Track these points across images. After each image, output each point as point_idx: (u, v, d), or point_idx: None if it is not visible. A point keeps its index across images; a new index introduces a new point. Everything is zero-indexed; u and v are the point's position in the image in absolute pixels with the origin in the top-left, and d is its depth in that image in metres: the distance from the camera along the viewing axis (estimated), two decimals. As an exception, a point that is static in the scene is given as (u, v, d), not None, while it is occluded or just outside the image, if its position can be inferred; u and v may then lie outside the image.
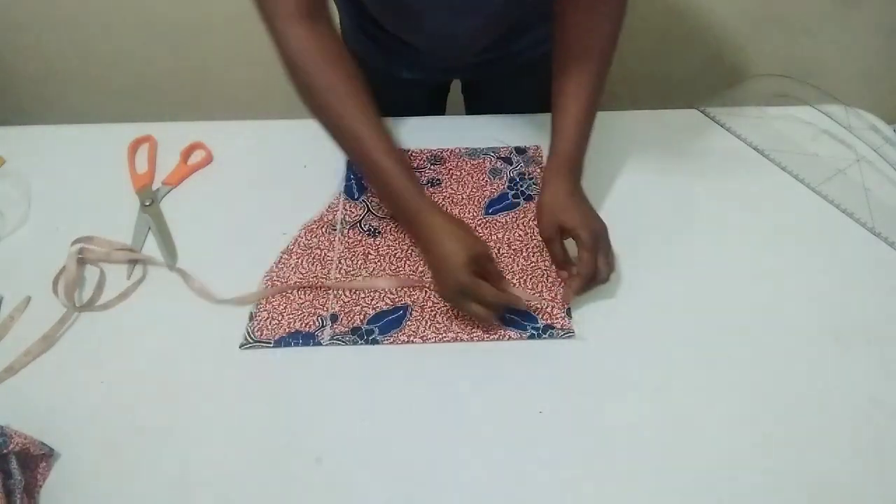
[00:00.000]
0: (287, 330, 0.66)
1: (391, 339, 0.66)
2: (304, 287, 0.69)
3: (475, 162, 0.83)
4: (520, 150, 0.84)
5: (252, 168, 0.83)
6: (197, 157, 0.85)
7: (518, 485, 0.56)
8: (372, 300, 0.69)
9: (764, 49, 1.45)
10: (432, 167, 0.82)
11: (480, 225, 0.76)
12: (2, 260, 0.74)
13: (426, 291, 0.69)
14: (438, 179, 0.81)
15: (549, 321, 0.67)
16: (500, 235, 0.75)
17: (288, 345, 0.65)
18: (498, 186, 0.80)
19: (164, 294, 0.70)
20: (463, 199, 0.79)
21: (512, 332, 0.66)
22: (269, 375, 0.64)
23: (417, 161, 0.83)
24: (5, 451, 0.55)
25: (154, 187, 0.81)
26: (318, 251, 0.73)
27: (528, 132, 0.86)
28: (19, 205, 0.79)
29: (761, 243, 0.74)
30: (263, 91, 1.49)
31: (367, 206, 0.78)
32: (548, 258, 0.71)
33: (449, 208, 0.77)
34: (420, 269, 0.71)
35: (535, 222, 0.74)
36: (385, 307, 0.68)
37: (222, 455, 0.58)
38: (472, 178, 0.81)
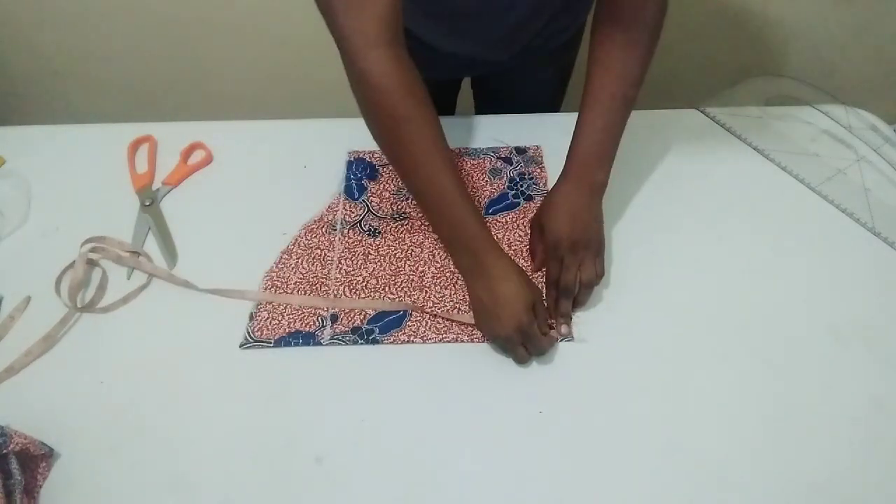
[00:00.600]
0: (287, 330, 0.66)
1: (391, 339, 0.66)
2: (296, 299, 0.69)
3: (475, 162, 0.83)
4: (520, 150, 0.84)
5: (252, 168, 0.83)
6: (197, 157, 0.85)
7: (518, 485, 0.56)
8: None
9: (764, 49, 1.45)
10: (432, 167, 0.82)
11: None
12: (2, 260, 0.74)
13: (426, 292, 0.69)
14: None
15: (551, 318, 0.66)
16: (500, 235, 0.75)
17: (288, 345, 0.65)
18: (498, 186, 0.80)
19: (164, 294, 0.70)
20: (463, 199, 0.79)
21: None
22: (269, 375, 0.64)
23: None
24: (5, 451, 0.55)
25: (154, 187, 0.81)
26: (318, 251, 0.73)
27: (528, 132, 0.86)
28: (19, 205, 0.79)
29: (761, 243, 0.74)
30: (263, 91, 1.49)
31: (367, 206, 0.78)
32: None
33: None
34: (420, 269, 0.71)
35: (536, 222, 0.75)
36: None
37: (222, 455, 0.58)
38: (472, 178, 0.81)
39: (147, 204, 0.78)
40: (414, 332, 0.66)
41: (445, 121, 0.91)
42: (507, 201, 0.78)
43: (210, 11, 1.35)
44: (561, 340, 0.65)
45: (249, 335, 0.66)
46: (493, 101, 1.01)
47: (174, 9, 1.35)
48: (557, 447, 0.58)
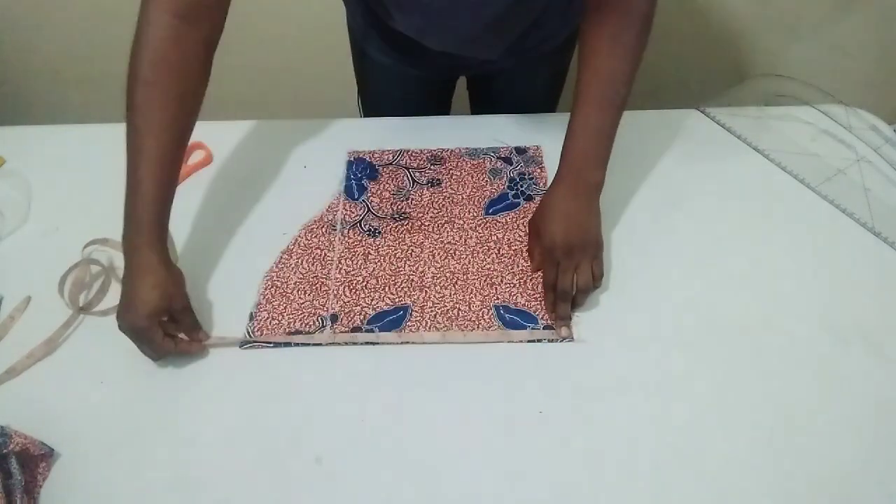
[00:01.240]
0: (287, 330, 0.66)
1: (391, 339, 0.66)
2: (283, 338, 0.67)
3: (475, 162, 0.83)
4: (520, 150, 0.84)
5: (252, 168, 0.83)
6: (197, 157, 0.85)
7: (518, 485, 0.56)
8: (372, 300, 0.69)
9: (764, 49, 1.45)
10: (432, 167, 0.82)
11: (480, 225, 0.76)
12: (2, 260, 0.74)
13: (426, 291, 0.69)
14: (438, 179, 0.81)
15: (550, 321, 0.67)
16: (500, 235, 0.75)
17: (288, 345, 0.65)
18: (498, 186, 0.80)
19: (164, 294, 0.70)
20: (463, 199, 0.79)
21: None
22: (269, 375, 0.64)
23: (417, 161, 0.83)
24: (5, 451, 0.55)
25: (154, 187, 0.81)
26: (318, 251, 0.73)
27: (528, 132, 0.86)
28: (19, 205, 0.79)
29: (761, 243, 0.74)
30: (263, 91, 1.49)
31: (367, 206, 0.78)
32: (548, 259, 0.71)
33: (449, 208, 0.77)
34: (420, 269, 0.71)
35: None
36: (385, 307, 0.68)
37: (222, 455, 0.58)
38: (472, 178, 0.81)
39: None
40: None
41: (446, 121, 0.93)
42: (507, 201, 0.78)
43: (210, 11, 1.35)
44: (561, 342, 0.65)
45: (249, 335, 0.66)
46: (487, 103, 1.02)
47: (174, 9, 1.35)
48: (557, 447, 0.58)
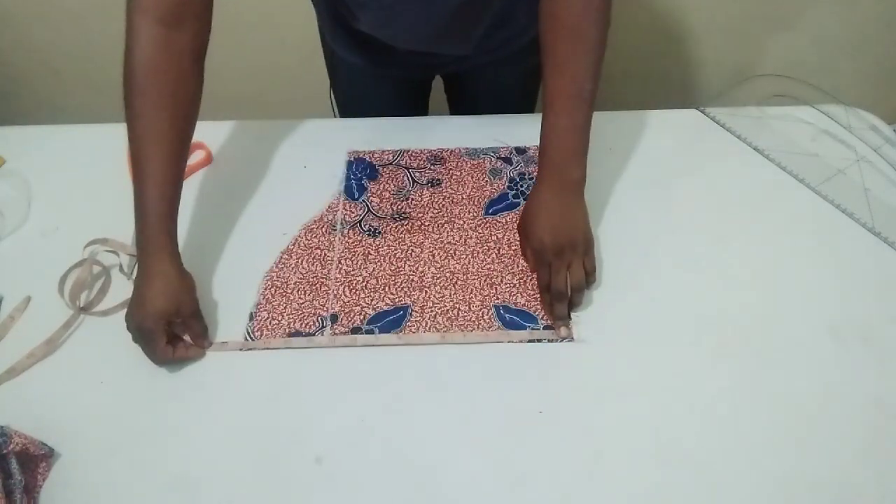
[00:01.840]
0: (287, 330, 0.66)
1: (391, 340, 0.66)
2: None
3: (475, 162, 0.83)
4: (520, 150, 0.84)
5: (252, 168, 0.83)
6: (197, 156, 0.84)
7: (518, 485, 0.56)
8: (372, 300, 0.69)
9: (764, 49, 1.45)
10: (432, 167, 0.82)
11: (480, 225, 0.76)
12: (2, 260, 0.74)
13: (426, 292, 0.69)
14: (438, 179, 0.81)
15: (549, 321, 0.67)
16: (500, 235, 0.75)
17: (288, 345, 0.65)
18: (498, 186, 0.80)
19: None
20: (463, 199, 0.79)
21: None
22: (270, 375, 0.64)
23: (417, 161, 0.83)
24: (5, 451, 0.55)
25: (154, 187, 0.81)
26: (318, 251, 0.73)
27: (528, 132, 0.86)
28: (19, 205, 0.79)
29: (761, 243, 0.74)
30: (263, 91, 1.49)
31: (367, 206, 0.78)
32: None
33: (449, 208, 0.77)
34: (420, 269, 0.71)
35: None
36: (385, 307, 0.68)
37: (222, 455, 0.58)
38: (472, 178, 0.81)
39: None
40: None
41: (446, 121, 0.93)
42: (507, 201, 0.78)
43: (210, 11, 1.35)
44: (560, 342, 0.65)
45: (249, 335, 0.66)
46: (463, 103, 1.02)
47: (174, 9, 1.35)
48: (557, 447, 0.58)
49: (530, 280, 0.70)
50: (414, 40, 0.79)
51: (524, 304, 0.68)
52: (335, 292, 0.70)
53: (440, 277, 0.71)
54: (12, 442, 0.55)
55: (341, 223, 0.76)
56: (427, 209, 0.77)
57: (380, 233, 0.75)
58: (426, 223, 0.76)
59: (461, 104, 1.03)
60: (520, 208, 0.77)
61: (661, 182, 0.80)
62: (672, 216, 0.77)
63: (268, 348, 0.65)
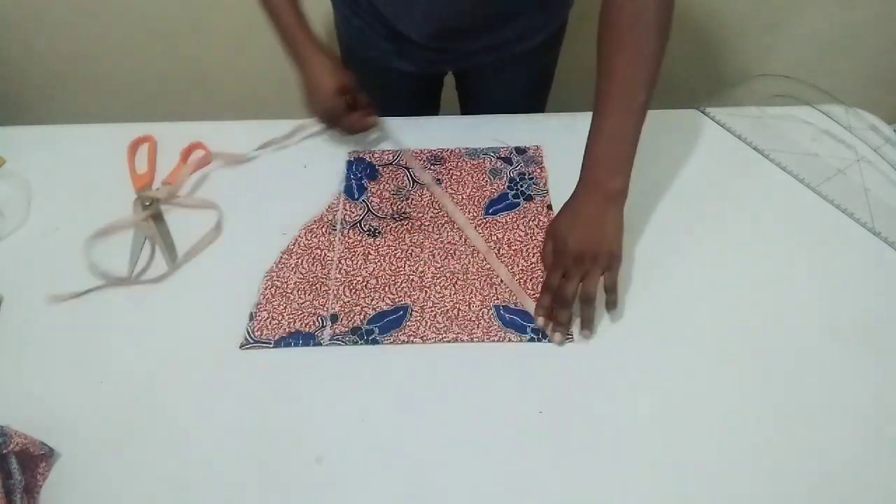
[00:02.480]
0: (287, 330, 0.66)
1: (391, 339, 0.66)
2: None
3: (475, 162, 0.83)
4: (520, 150, 0.84)
5: (252, 168, 0.83)
6: (197, 156, 0.85)
7: (518, 485, 0.56)
8: (372, 300, 0.69)
9: (764, 49, 1.45)
10: (432, 167, 0.82)
11: (480, 225, 0.76)
12: (2, 260, 0.74)
13: (426, 291, 0.69)
14: (438, 179, 0.81)
15: (540, 325, 0.66)
16: (500, 235, 0.75)
17: (288, 345, 0.65)
18: (498, 186, 0.80)
19: (164, 294, 0.70)
20: (463, 199, 0.79)
21: (512, 335, 0.66)
22: (269, 375, 0.64)
23: (418, 161, 0.83)
24: (5, 451, 0.55)
25: (154, 187, 0.81)
26: (318, 251, 0.73)
27: (528, 132, 0.86)
28: (19, 205, 0.79)
29: (761, 243, 0.74)
30: (263, 91, 1.49)
31: (367, 206, 0.78)
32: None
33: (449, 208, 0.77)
34: (420, 269, 0.71)
35: (536, 223, 0.75)
36: (385, 307, 0.68)
37: (222, 455, 0.58)
38: (472, 178, 0.81)
39: (147, 204, 0.78)
40: (414, 332, 0.66)
41: (446, 121, 0.93)
42: (507, 201, 0.78)
43: (210, 11, 1.35)
44: (560, 344, 0.65)
45: (249, 335, 0.66)
46: (473, 101, 1.03)
47: (174, 9, 1.35)
48: (557, 447, 0.58)
49: (530, 280, 0.70)
50: (431, 30, 0.80)
51: (524, 304, 0.68)
52: (335, 292, 0.70)
53: (440, 277, 0.71)
54: (12, 442, 0.55)
55: (341, 223, 0.76)
56: (427, 209, 0.77)
57: (380, 233, 0.75)
58: (426, 223, 0.76)
59: (472, 103, 1.04)
60: (519, 208, 0.78)
61: (661, 182, 0.80)
62: (671, 216, 0.77)
63: (266, 346, 0.65)
